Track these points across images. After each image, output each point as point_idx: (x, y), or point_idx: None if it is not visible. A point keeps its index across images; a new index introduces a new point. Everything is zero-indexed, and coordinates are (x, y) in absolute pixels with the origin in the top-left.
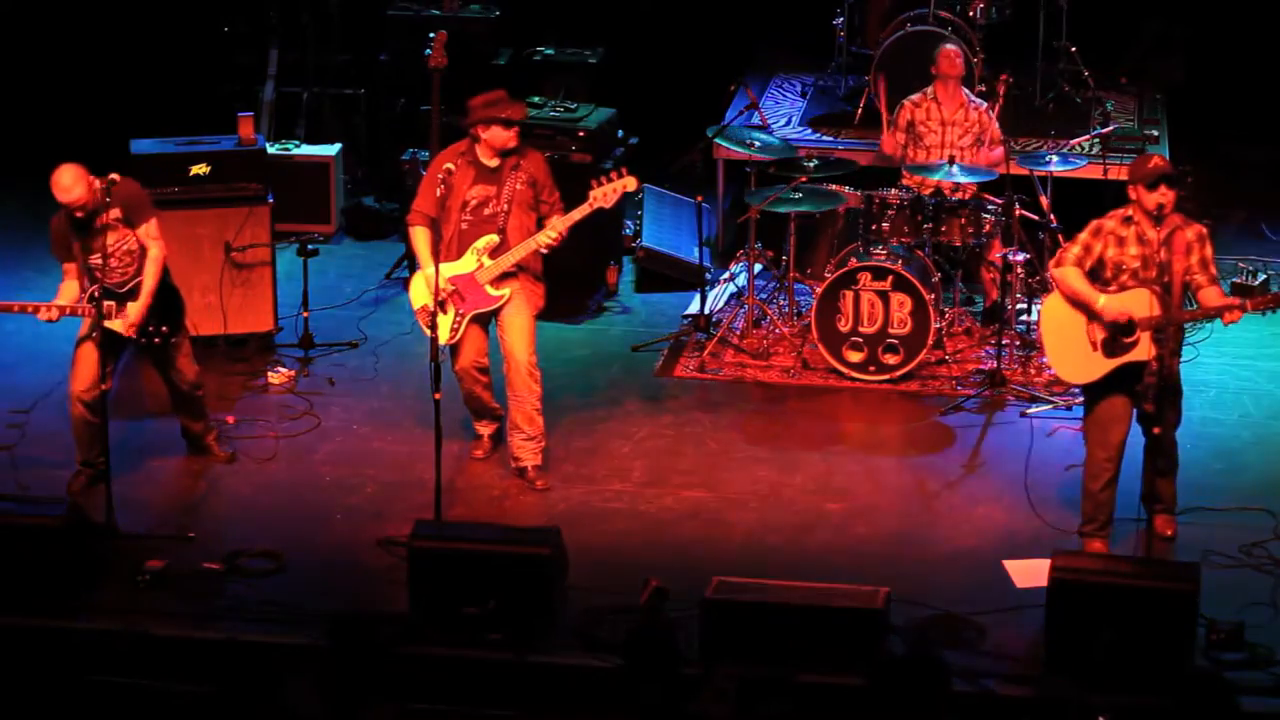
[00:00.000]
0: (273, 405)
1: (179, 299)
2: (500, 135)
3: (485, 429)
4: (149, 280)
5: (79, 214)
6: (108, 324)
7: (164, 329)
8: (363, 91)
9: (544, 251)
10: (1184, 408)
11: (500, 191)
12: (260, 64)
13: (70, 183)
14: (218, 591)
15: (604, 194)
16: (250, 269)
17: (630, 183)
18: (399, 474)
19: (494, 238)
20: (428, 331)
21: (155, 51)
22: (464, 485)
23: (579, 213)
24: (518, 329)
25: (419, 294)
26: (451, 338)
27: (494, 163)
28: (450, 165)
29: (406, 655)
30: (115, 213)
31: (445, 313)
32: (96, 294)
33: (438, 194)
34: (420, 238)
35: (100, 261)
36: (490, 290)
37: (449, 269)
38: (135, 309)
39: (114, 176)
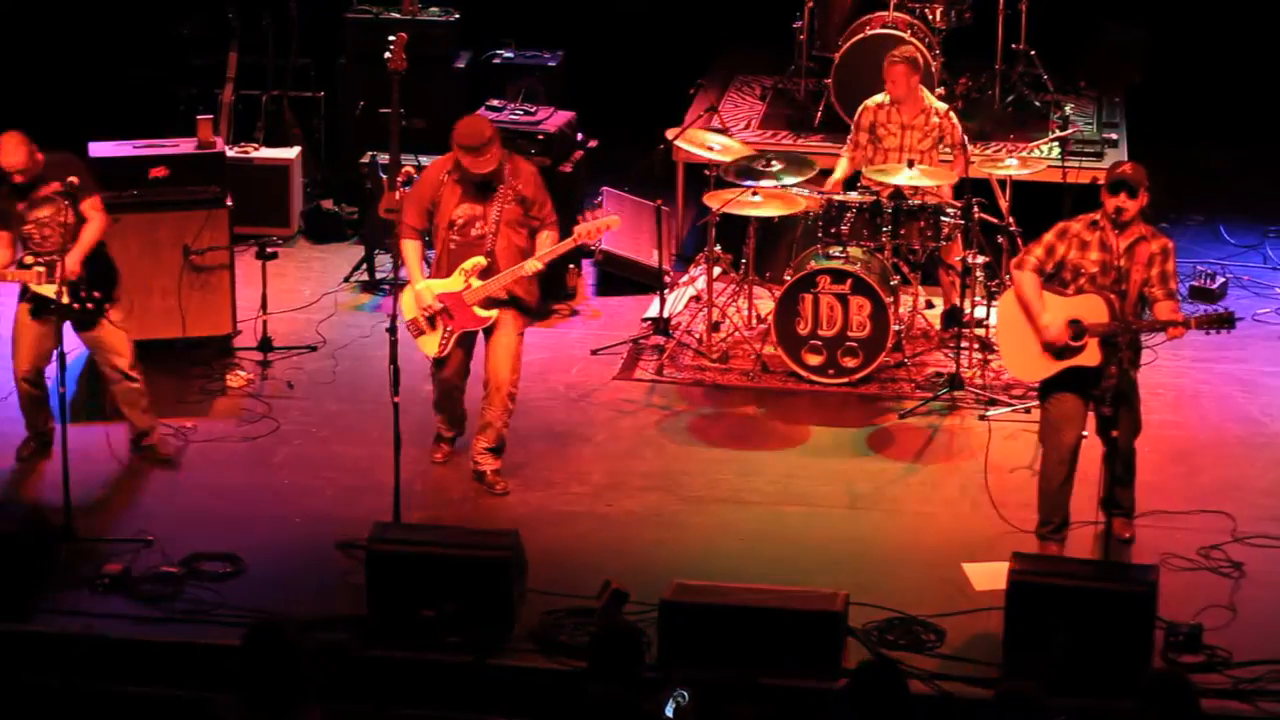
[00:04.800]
0: (231, 408)
1: (115, 273)
2: (479, 169)
3: (448, 433)
4: (88, 235)
5: (17, 178)
6: (37, 288)
7: (96, 294)
8: (322, 94)
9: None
10: (1142, 410)
11: (488, 212)
12: (219, 67)
13: (11, 147)
14: (176, 594)
15: (588, 230)
16: (209, 272)
17: (614, 221)
18: (358, 477)
19: (482, 260)
20: (419, 343)
21: (113, 54)
22: (423, 488)
23: (564, 247)
24: (504, 349)
25: (409, 307)
26: (440, 352)
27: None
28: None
29: (364, 658)
30: (56, 186)
31: (435, 328)
32: (26, 261)
33: (427, 208)
34: (410, 250)
35: (34, 231)
36: (479, 311)
37: (438, 285)
38: (71, 258)
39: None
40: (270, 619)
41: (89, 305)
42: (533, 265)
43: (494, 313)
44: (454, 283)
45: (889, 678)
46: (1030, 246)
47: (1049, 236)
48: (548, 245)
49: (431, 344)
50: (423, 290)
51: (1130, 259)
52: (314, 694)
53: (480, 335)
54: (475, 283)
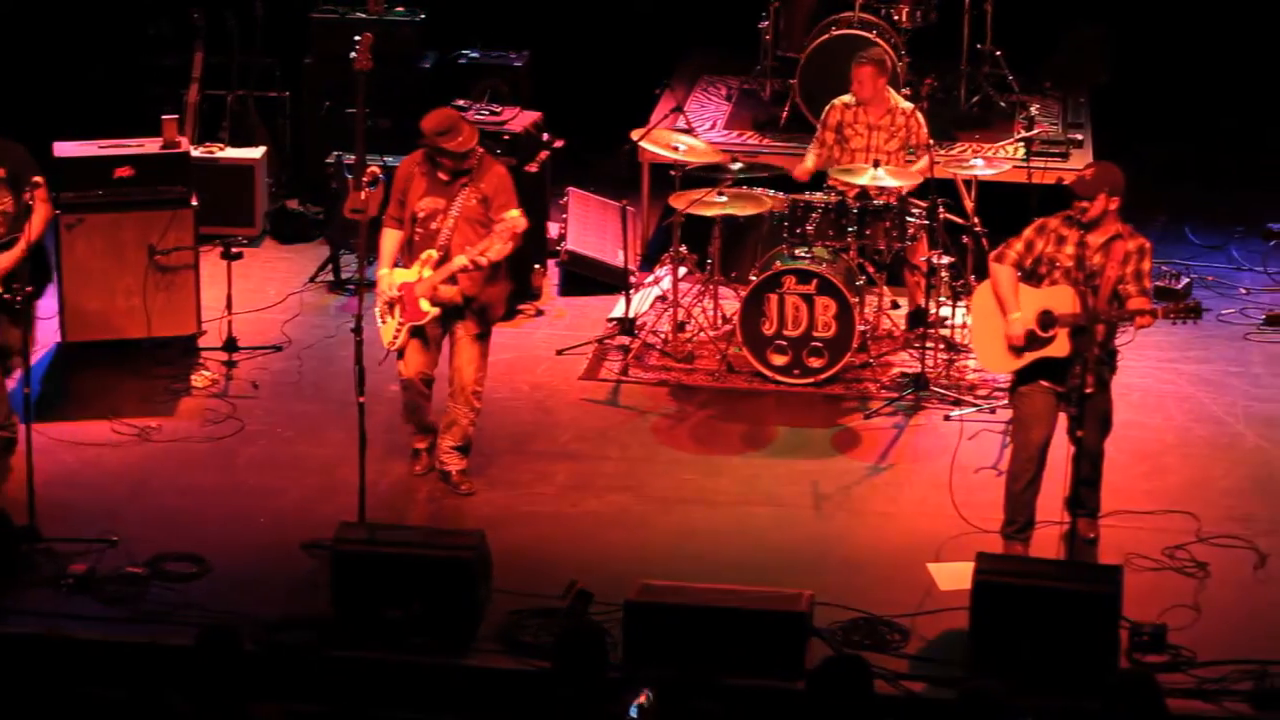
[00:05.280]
0: (196, 409)
1: (49, 271)
2: (449, 162)
3: (423, 444)
4: (33, 232)
5: None
6: None
7: (28, 289)
8: (287, 94)
9: (474, 271)
10: (1113, 412)
11: (449, 207)
12: (184, 66)
13: None
14: (141, 595)
15: (502, 233)
16: (174, 272)
17: (520, 223)
18: (323, 477)
19: (434, 254)
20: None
21: (78, 53)
22: (388, 489)
23: (498, 254)
24: (469, 351)
25: (378, 294)
26: (392, 343)
27: (447, 177)
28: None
29: (329, 658)
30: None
31: (394, 316)
32: None
33: (399, 199)
34: (384, 238)
35: None
36: (422, 305)
37: (401, 275)
38: (7, 256)
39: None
40: (221, 620)
41: (17, 300)
42: (459, 262)
43: (436, 310)
44: (411, 274)
45: (854, 673)
46: (1010, 241)
47: (1028, 232)
48: (488, 247)
49: (387, 333)
50: (385, 276)
51: (1106, 255)
52: (270, 694)
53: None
54: (426, 274)
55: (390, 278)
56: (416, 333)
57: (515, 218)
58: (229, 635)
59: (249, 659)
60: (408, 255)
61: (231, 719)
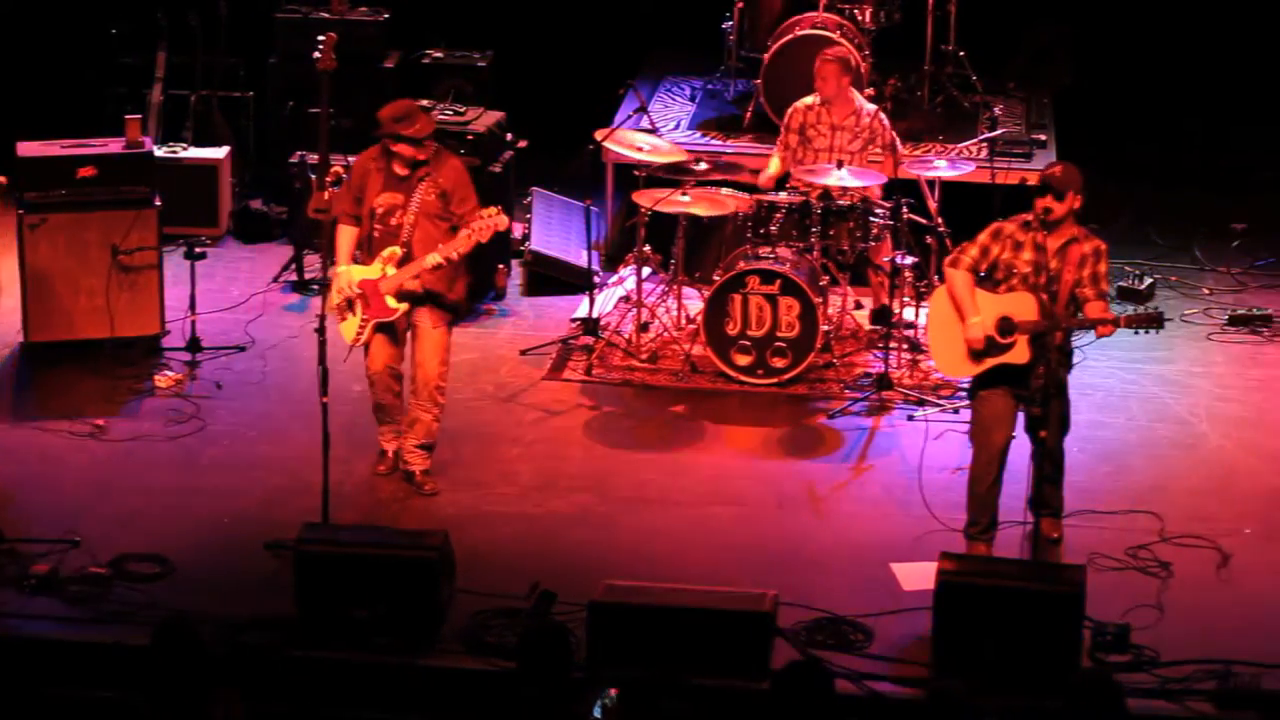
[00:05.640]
0: (159, 409)
1: None
2: (407, 150)
3: (390, 444)
4: None
5: None
6: None
7: None
8: (251, 94)
9: (438, 266)
10: (1071, 411)
11: (408, 202)
12: (148, 66)
13: None
14: (104, 596)
15: (480, 228)
16: (137, 272)
17: (502, 222)
18: (286, 478)
19: (397, 250)
20: (340, 329)
21: (41, 53)
22: (351, 489)
23: (465, 247)
24: (428, 346)
25: (334, 291)
26: (357, 339)
27: (404, 172)
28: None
29: (293, 658)
30: None
31: (355, 313)
32: None
33: (356, 195)
34: (340, 235)
35: None
36: (390, 301)
37: (360, 272)
38: None
39: None
40: (178, 614)
41: None
42: (431, 259)
43: (404, 305)
44: (373, 270)
45: (814, 677)
46: (965, 246)
47: (983, 237)
48: (455, 242)
49: (350, 329)
50: (343, 273)
51: (1063, 259)
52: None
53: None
54: (390, 271)
55: (349, 274)
56: (382, 327)
57: (496, 216)
58: (185, 627)
59: (207, 651)
60: (366, 252)
61: (191, 711)
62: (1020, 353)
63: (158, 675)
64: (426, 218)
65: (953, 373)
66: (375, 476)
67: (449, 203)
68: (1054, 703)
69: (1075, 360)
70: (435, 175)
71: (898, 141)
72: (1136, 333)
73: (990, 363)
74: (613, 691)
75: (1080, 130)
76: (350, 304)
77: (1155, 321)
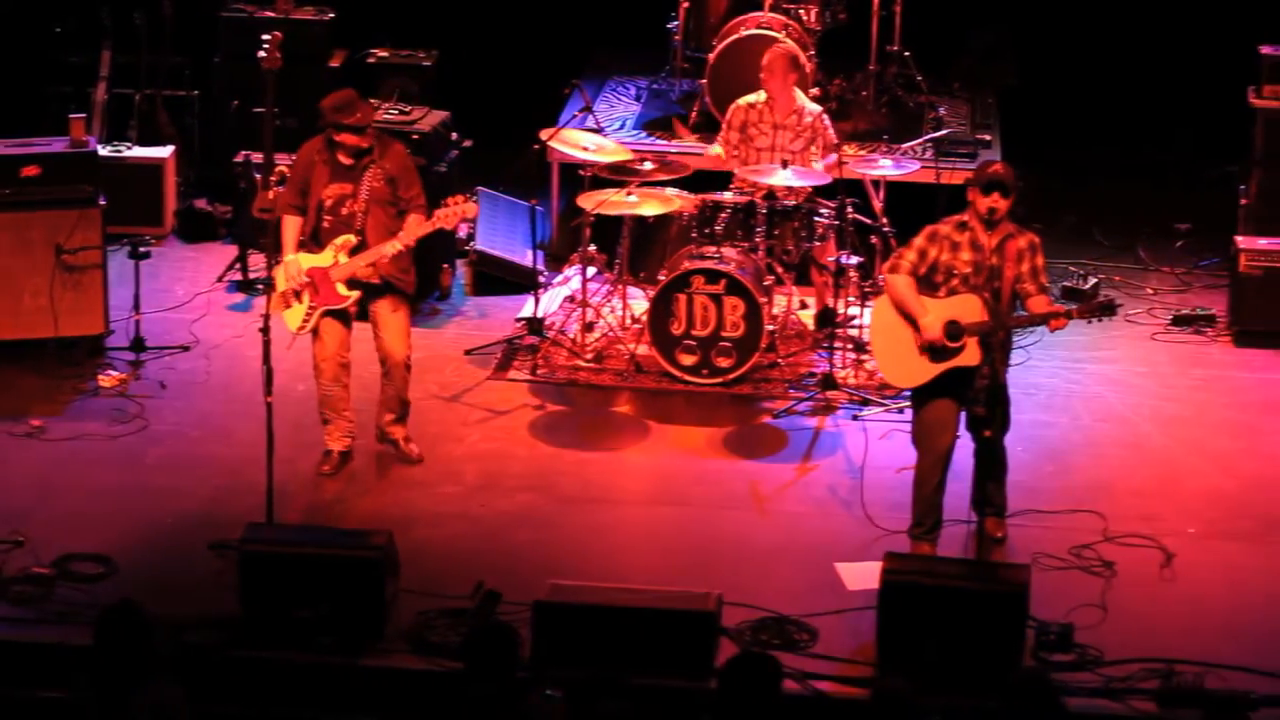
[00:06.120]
0: (103, 408)
1: None
2: (350, 139)
3: (337, 444)
4: None
5: None
6: None
7: None
8: (196, 93)
9: (395, 254)
10: (1014, 411)
11: (357, 190)
12: (92, 65)
13: None
14: (48, 596)
15: (447, 215)
16: (81, 271)
17: (472, 209)
18: (230, 478)
19: (352, 238)
20: (283, 318)
21: None
22: (296, 489)
23: (424, 229)
24: (395, 326)
25: (281, 280)
26: (302, 328)
27: (349, 161)
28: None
29: (236, 659)
30: None
31: (300, 302)
32: None
33: (301, 186)
34: (285, 225)
35: None
36: (340, 289)
37: (309, 260)
38: None
39: None
40: (124, 600)
41: None
42: (392, 246)
43: (355, 293)
44: (324, 258)
45: (762, 671)
46: (902, 251)
47: (919, 240)
48: (414, 228)
49: (295, 318)
50: (291, 262)
51: (1001, 256)
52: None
53: (371, 328)
54: (343, 259)
55: (297, 262)
56: (331, 315)
57: (465, 203)
58: (133, 611)
59: (153, 638)
60: (315, 242)
61: (133, 696)
62: (972, 354)
63: (103, 658)
64: (377, 204)
65: (906, 382)
66: (320, 476)
67: (397, 187)
68: (996, 702)
69: (1018, 360)
70: (382, 161)
71: (838, 142)
72: (1090, 322)
73: (943, 367)
74: (558, 692)
75: (1025, 130)
76: (297, 292)
77: (1107, 310)
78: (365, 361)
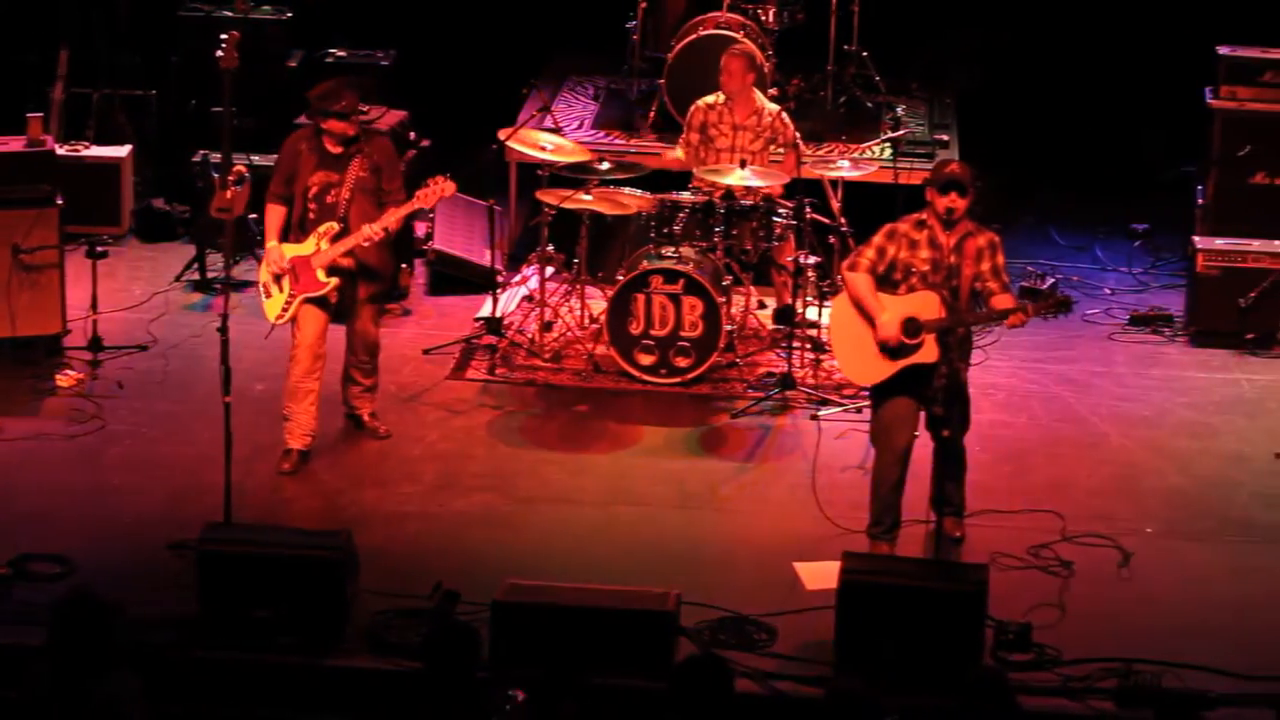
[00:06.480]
0: (61, 408)
1: None
2: (338, 126)
3: (297, 442)
4: None
5: None
6: None
7: None
8: (154, 92)
9: (376, 240)
10: (973, 411)
11: (343, 179)
12: (49, 64)
13: None
14: (5, 595)
15: (426, 195)
16: (38, 271)
17: (451, 187)
18: (188, 477)
19: (335, 225)
20: (264, 307)
21: None
22: (254, 489)
23: (403, 210)
24: (368, 314)
25: (263, 270)
26: (281, 316)
27: (337, 150)
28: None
29: (195, 659)
30: None
31: (281, 290)
32: None
33: (286, 176)
34: (269, 214)
35: None
36: (320, 275)
37: (291, 250)
38: None
39: None
40: (81, 588)
41: None
42: (369, 230)
43: (335, 280)
44: (306, 246)
45: (713, 672)
46: (860, 249)
47: (878, 238)
48: (395, 210)
49: (274, 307)
50: (274, 249)
51: (960, 255)
52: (128, 664)
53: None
54: (325, 246)
55: (279, 250)
56: (310, 304)
57: (443, 183)
58: (91, 599)
59: (112, 628)
60: (299, 231)
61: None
62: (929, 351)
63: (61, 648)
64: (362, 193)
65: (865, 379)
66: (279, 475)
67: (382, 177)
68: (954, 702)
69: (978, 360)
70: (368, 151)
71: (800, 141)
72: (1046, 319)
73: (901, 364)
74: (521, 692)
75: (982, 131)
76: (277, 279)
77: (1063, 306)
78: (333, 357)
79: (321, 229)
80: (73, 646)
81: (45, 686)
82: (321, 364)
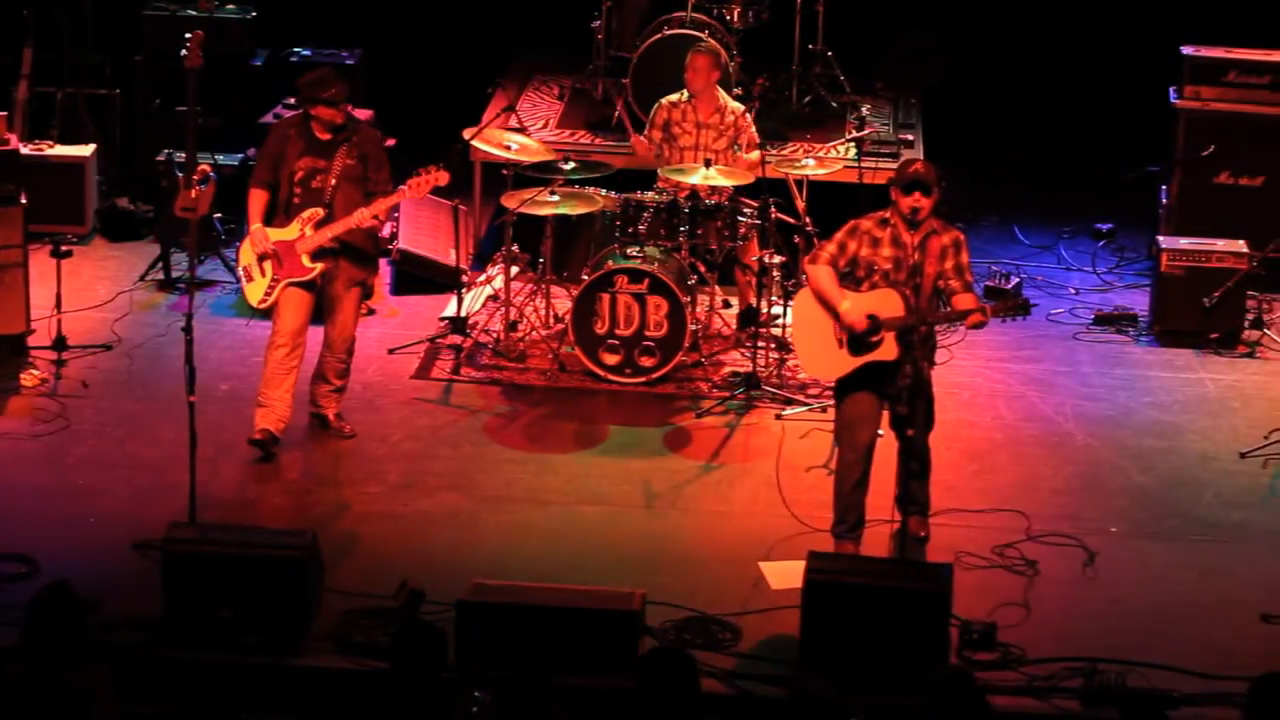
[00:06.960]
0: (25, 408)
1: None
2: (326, 113)
3: (270, 424)
4: None
5: None
6: None
7: None
8: (118, 91)
9: (364, 228)
10: (938, 410)
11: (330, 166)
12: (14, 62)
13: None
14: None
15: (417, 184)
16: (2, 270)
17: (443, 177)
18: (153, 477)
19: (319, 211)
20: (246, 291)
21: None
22: (219, 488)
23: (392, 199)
24: (347, 309)
25: (245, 253)
26: (263, 301)
27: (325, 137)
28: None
29: (160, 659)
30: None
31: (264, 275)
32: None
33: (272, 161)
34: (252, 198)
35: None
36: (305, 261)
37: (275, 234)
38: None
39: None
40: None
41: None
42: (361, 216)
43: (319, 265)
44: (290, 231)
45: (678, 664)
46: (823, 244)
47: (840, 234)
48: (383, 200)
49: (256, 291)
50: (257, 230)
51: (923, 253)
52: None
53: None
54: (309, 232)
55: (263, 231)
56: (294, 290)
57: (436, 171)
58: (64, 591)
59: (84, 620)
60: (283, 215)
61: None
62: (889, 349)
63: (37, 638)
64: (348, 181)
65: (824, 375)
66: (249, 444)
67: (369, 166)
68: (920, 701)
69: (942, 360)
70: (356, 140)
71: (760, 141)
72: (1005, 320)
73: (860, 360)
74: (487, 693)
75: (946, 130)
76: (261, 263)
77: (1022, 309)
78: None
79: (305, 214)
80: (47, 637)
81: (18, 678)
82: (300, 352)
